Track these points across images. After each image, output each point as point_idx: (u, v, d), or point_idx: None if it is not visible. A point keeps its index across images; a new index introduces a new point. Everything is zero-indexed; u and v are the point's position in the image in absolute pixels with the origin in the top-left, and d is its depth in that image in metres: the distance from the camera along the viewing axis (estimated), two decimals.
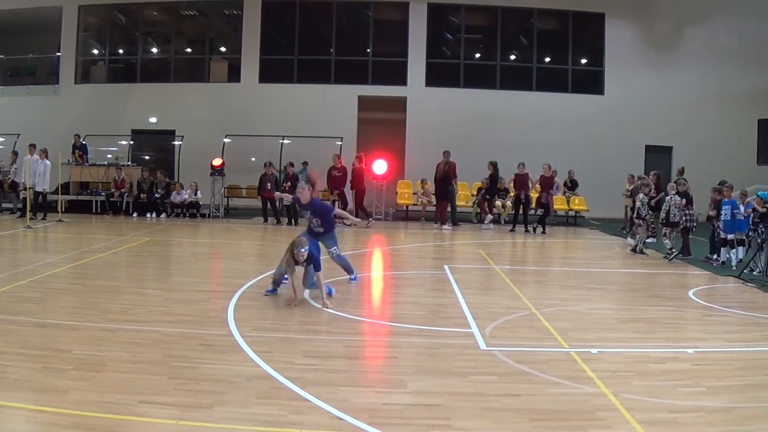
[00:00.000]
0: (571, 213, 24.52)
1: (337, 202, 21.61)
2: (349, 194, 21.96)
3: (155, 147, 27.83)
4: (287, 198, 11.40)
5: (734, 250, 14.22)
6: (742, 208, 14.26)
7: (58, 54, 28.31)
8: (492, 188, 22.16)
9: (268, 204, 21.67)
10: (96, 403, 5.45)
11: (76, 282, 10.87)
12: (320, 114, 26.27)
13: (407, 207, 24.47)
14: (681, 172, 20.35)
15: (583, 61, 28.20)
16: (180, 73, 28.92)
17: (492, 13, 27.84)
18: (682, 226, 15.49)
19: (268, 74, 27.63)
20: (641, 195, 16.36)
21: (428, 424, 5.34)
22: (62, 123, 25.79)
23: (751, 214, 13.96)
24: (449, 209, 21.53)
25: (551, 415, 5.59)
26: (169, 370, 6.42)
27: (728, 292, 11.90)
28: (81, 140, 24.09)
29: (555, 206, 22.80)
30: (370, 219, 21.42)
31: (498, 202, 23.11)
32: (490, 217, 21.89)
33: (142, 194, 22.79)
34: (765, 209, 13.55)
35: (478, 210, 23.02)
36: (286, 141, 25.04)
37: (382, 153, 23.66)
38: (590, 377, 6.50)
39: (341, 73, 27.63)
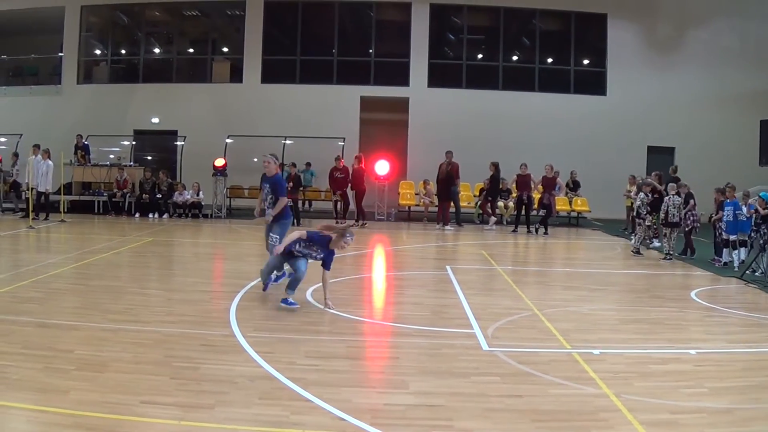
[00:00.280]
0: (574, 214, 24.49)
1: (339, 203, 21.65)
2: (350, 195, 21.94)
3: (157, 147, 27.83)
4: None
5: (736, 251, 14.21)
6: (744, 208, 14.25)
7: (60, 54, 28.36)
8: (493, 189, 22.12)
9: None
10: (98, 404, 5.45)
11: (78, 282, 10.87)
12: (322, 114, 26.28)
13: (409, 207, 24.47)
14: (674, 171, 20.51)
15: (586, 61, 28.20)
16: (182, 73, 28.96)
17: (494, 14, 27.84)
18: (690, 227, 15.50)
19: (271, 75, 27.64)
20: (641, 195, 16.37)
21: (430, 424, 5.34)
22: (65, 123, 25.84)
23: (754, 215, 13.95)
24: (452, 210, 21.51)
25: (553, 415, 5.58)
26: (171, 370, 6.43)
27: (730, 293, 11.88)
28: (83, 140, 24.10)
29: (557, 207, 22.80)
30: (363, 222, 21.34)
31: (500, 203, 23.10)
32: (494, 219, 21.84)
33: (144, 194, 22.79)
34: (767, 210, 13.53)
35: (480, 211, 23.00)
36: (288, 141, 25.03)
37: (384, 153, 23.64)
38: (592, 378, 6.50)
39: (343, 73, 27.66)
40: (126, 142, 26.60)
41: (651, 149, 26.61)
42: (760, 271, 13.09)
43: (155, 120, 27.56)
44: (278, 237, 10.05)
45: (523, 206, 20.90)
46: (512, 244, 18.76)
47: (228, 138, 25.05)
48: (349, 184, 21.64)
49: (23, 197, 21.11)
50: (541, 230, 20.28)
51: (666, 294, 11.64)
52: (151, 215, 22.27)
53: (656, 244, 17.15)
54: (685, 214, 15.62)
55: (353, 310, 9.19)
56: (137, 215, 22.40)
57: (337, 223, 20.59)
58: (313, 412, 5.51)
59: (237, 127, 25.44)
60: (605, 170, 24.77)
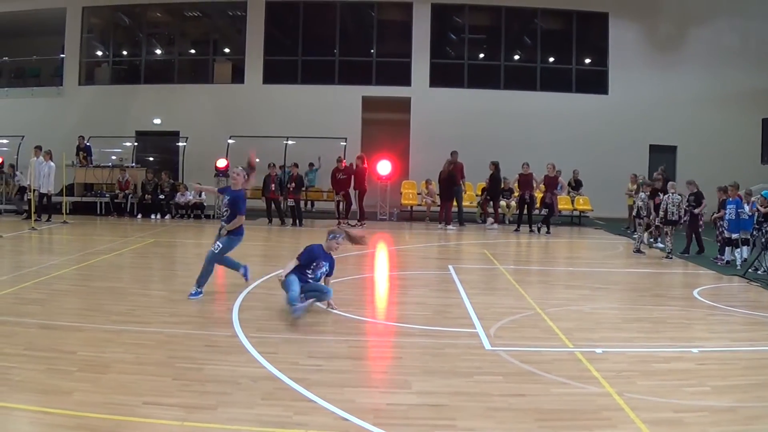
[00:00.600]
0: (576, 213, 24.48)
1: (342, 203, 21.65)
2: (352, 195, 21.94)
3: (159, 148, 27.86)
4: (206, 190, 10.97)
5: (739, 250, 14.21)
6: (746, 207, 14.24)
7: (62, 56, 28.38)
8: (494, 188, 22.09)
9: (273, 205, 21.66)
10: (100, 405, 5.46)
11: (80, 283, 10.88)
12: (324, 115, 26.27)
13: (411, 207, 24.47)
14: (664, 169, 20.61)
15: (587, 61, 28.19)
16: (184, 74, 28.96)
17: (496, 13, 27.83)
18: (700, 224, 15.52)
19: (272, 75, 27.64)
20: (641, 194, 16.37)
21: (433, 424, 5.34)
22: (66, 124, 25.86)
23: (756, 214, 13.94)
24: (454, 209, 21.50)
25: (556, 414, 5.58)
26: (174, 371, 6.43)
27: (733, 291, 11.88)
28: (85, 142, 24.09)
29: (559, 206, 22.81)
30: (362, 222, 21.35)
31: (503, 202, 23.10)
32: (490, 220, 21.83)
33: (146, 195, 22.81)
34: None
35: (482, 210, 23.01)
36: (290, 142, 25.05)
37: (386, 153, 23.65)
38: (595, 377, 6.50)
39: (345, 73, 27.66)
40: (128, 143, 26.61)
41: (653, 148, 26.59)
42: (762, 269, 13.10)
43: (157, 121, 27.57)
44: (221, 246, 9.95)
45: (525, 205, 20.90)
46: (514, 243, 18.76)
47: (230, 139, 25.05)
48: (352, 184, 21.63)
49: (25, 199, 21.12)
50: (543, 229, 20.27)
51: (668, 293, 11.65)
52: (153, 216, 22.28)
53: (660, 244, 17.14)
54: (698, 213, 15.71)
55: (356, 310, 9.19)
56: (139, 216, 22.42)
57: (339, 224, 20.66)
58: (316, 412, 5.51)
59: (239, 127, 25.43)
60: (607, 169, 24.76)
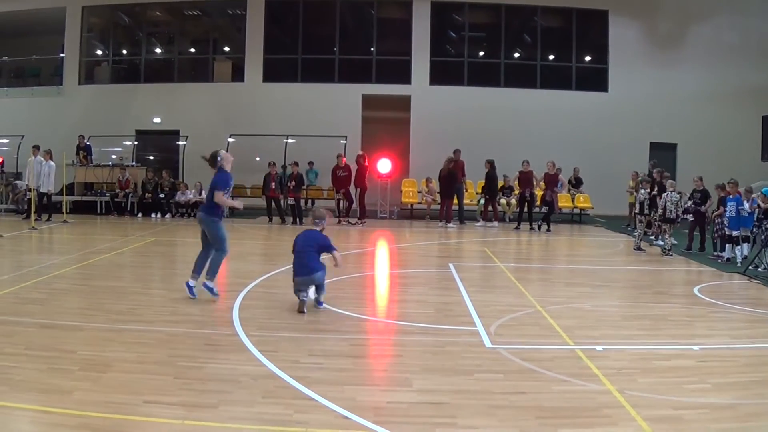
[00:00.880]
0: (576, 210, 24.48)
1: (342, 201, 21.65)
2: (353, 193, 21.93)
3: (160, 147, 27.87)
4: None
5: (739, 247, 14.21)
6: (746, 204, 14.24)
7: (61, 55, 28.38)
8: (490, 187, 22.05)
9: (273, 203, 21.66)
10: (101, 404, 5.46)
11: (81, 283, 10.88)
12: (324, 113, 26.28)
13: (412, 205, 24.46)
14: (654, 166, 20.69)
15: (587, 58, 28.19)
16: (184, 73, 28.98)
17: (495, 11, 27.82)
18: (706, 222, 15.53)
19: (272, 74, 27.65)
20: (641, 192, 16.38)
21: (434, 422, 5.34)
22: (66, 124, 25.87)
23: (756, 210, 13.95)
24: (455, 207, 21.51)
25: (557, 412, 5.58)
26: (175, 370, 6.43)
27: (733, 288, 11.90)
28: (85, 141, 24.11)
29: (560, 204, 22.82)
30: (362, 220, 21.38)
31: (503, 200, 23.12)
32: (495, 223, 21.81)
33: (146, 194, 22.83)
34: None
35: (482, 210, 23.01)
36: (290, 140, 25.04)
37: (386, 151, 23.65)
38: (595, 374, 6.50)
39: (345, 72, 27.66)
40: (128, 143, 26.62)
41: (653, 145, 26.57)
42: (763, 266, 13.11)
43: (157, 120, 27.57)
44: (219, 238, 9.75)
45: (526, 203, 20.91)
46: (515, 241, 18.76)
47: (230, 137, 25.05)
48: (353, 182, 21.63)
49: (25, 198, 21.13)
50: (544, 227, 20.28)
51: (669, 290, 11.66)
52: (153, 215, 22.32)
53: (660, 242, 17.13)
54: (704, 210, 15.75)
55: (356, 309, 9.19)
56: (140, 215, 22.45)
57: (339, 222, 20.69)
58: (316, 410, 5.51)
59: (239, 126, 25.45)
60: (607, 167, 24.76)
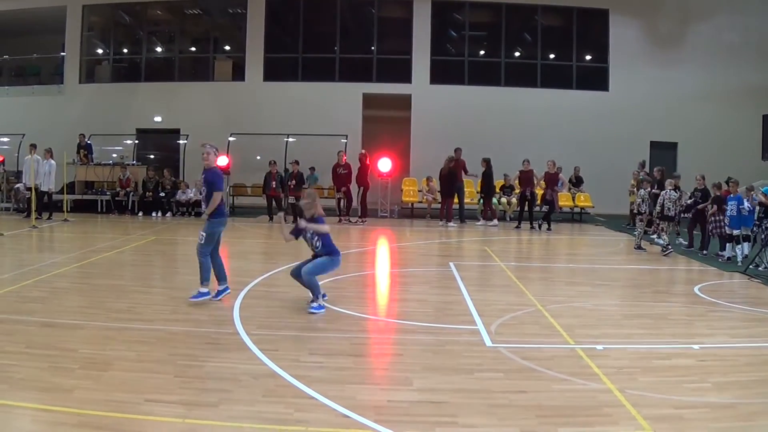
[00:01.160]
0: (577, 209, 24.47)
1: (342, 200, 21.65)
2: (354, 192, 21.92)
3: (160, 146, 27.87)
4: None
5: (739, 246, 14.21)
6: (747, 203, 14.24)
7: (62, 54, 28.39)
8: (487, 185, 22.02)
9: (273, 202, 21.67)
10: (102, 402, 5.47)
11: (81, 281, 10.89)
12: (325, 112, 26.27)
13: (412, 204, 24.44)
14: (642, 165, 20.84)
15: (588, 57, 28.16)
16: (184, 72, 28.96)
17: (496, 10, 27.81)
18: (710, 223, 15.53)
19: (273, 72, 27.64)
20: (642, 191, 16.39)
21: (434, 421, 5.34)
22: (67, 123, 25.85)
23: (757, 209, 13.95)
24: (455, 206, 21.51)
25: (557, 411, 5.59)
26: (175, 368, 6.44)
27: (734, 287, 11.90)
28: (86, 140, 24.14)
29: (560, 203, 22.82)
30: (364, 219, 21.39)
31: (504, 199, 23.12)
32: (495, 221, 21.80)
33: (147, 193, 22.83)
34: None
35: (482, 209, 23.00)
36: (291, 139, 25.05)
37: (387, 150, 23.64)
38: (596, 373, 6.50)
39: (346, 70, 27.66)
40: (129, 141, 26.62)
41: (654, 144, 26.57)
42: (763, 265, 13.11)
43: (158, 119, 27.57)
44: (204, 235, 9.38)
45: (526, 202, 20.91)
46: (515, 240, 18.75)
47: (231, 136, 25.05)
48: (354, 181, 21.62)
49: (25, 197, 21.14)
50: (544, 226, 20.28)
51: (669, 289, 11.66)
52: (154, 214, 22.31)
53: (660, 241, 17.12)
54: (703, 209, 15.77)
55: (357, 308, 9.20)
56: (140, 214, 22.45)
57: (339, 221, 20.70)
58: (317, 409, 5.52)
59: (240, 125, 25.45)
60: (608, 166, 24.74)
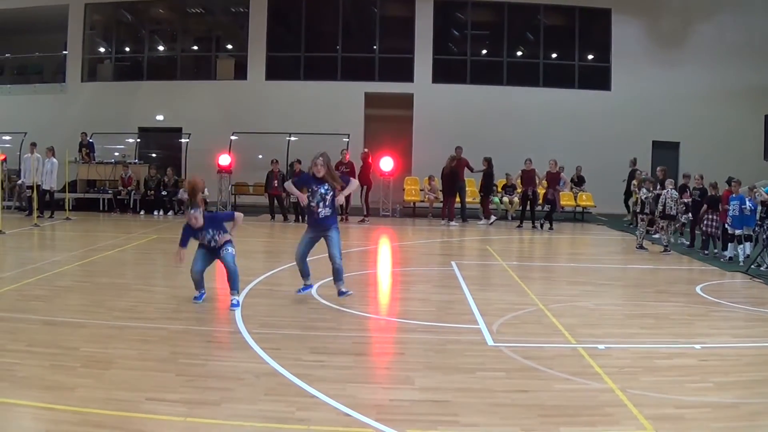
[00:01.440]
0: (579, 209, 24.45)
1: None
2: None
3: (162, 144, 27.89)
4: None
5: (741, 246, 14.19)
6: (748, 202, 14.22)
7: (64, 52, 28.40)
8: (488, 184, 22.02)
9: (275, 201, 21.68)
10: (104, 401, 5.47)
11: (83, 280, 10.90)
12: (327, 111, 26.26)
13: (414, 203, 24.43)
14: (633, 162, 20.91)
15: (590, 57, 28.15)
16: (187, 70, 28.98)
17: (498, 9, 27.80)
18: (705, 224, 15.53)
19: (275, 71, 27.64)
20: (643, 190, 16.38)
21: (436, 420, 5.34)
22: (69, 121, 25.87)
23: (759, 208, 13.94)
24: (457, 205, 21.51)
25: (559, 410, 5.58)
26: (177, 367, 6.44)
27: (735, 287, 11.89)
28: (88, 138, 24.16)
29: (562, 202, 22.81)
30: (366, 217, 21.38)
31: (505, 198, 23.11)
32: (493, 218, 21.82)
33: (149, 192, 22.84)
34: None
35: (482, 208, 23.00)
36: (293, 138, 25.04)
37: (389, 149, 23.62)
38: (598, 373, 6.50)
39: (348, 69, 27.65)
40: (131, 140, 26.62)
41: (656, 144, 26.57)
42: (765, 265, 13.10)
43: (160, 117, 27.56)
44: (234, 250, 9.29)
45: (528, 202, 20.90)
46: (517, 239, 18.75)
47: (233, 135, 25.05)
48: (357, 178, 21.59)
49: (25, 195, 21.16)
50: (546, 225, 20.28)
51: (671, 289, 11.64)
52: (155, 212, 22.32)
53: (663, 241, 17.13)
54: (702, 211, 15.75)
55: (359, 306, 9.20)
56: (142, 212, 22.46)
57: (341, 220, 20.70)
58: (318, 408, 5.52)
59: (241, 124, 25.42)
60: (610, 165, 24.70)
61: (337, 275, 9.26)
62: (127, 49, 29.74)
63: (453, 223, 20.87)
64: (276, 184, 21.42)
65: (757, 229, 14.03)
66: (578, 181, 24.37)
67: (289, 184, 9.43)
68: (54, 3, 27.37)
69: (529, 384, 6.20)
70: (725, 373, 6.66)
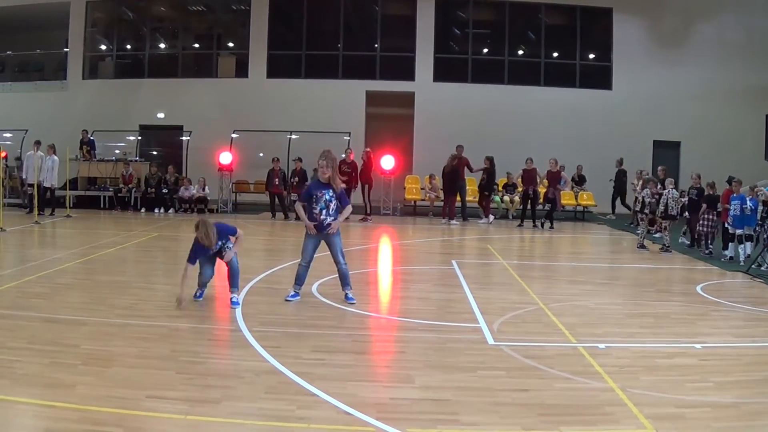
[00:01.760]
0: (579, 208, 24.44)
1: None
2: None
3: (163, 142, 27.85)
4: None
5: (742, 246, 14.19)
6: (749, 202, 14.21)
7: (65, 50, 28.37)
8: (489, 184, 22.01)
9: (276, 199, 21.67)
10: (104, 398, 5.47)
11: (84, 277, 10.90)
12: (328, 109, 26.23)
13: (415, 202, 24.44)
14: (620, 162, 20.93)
15: (591, 56, 28.12)
16: (188, 68, 28.94)
17: (500, 8, 27.78)
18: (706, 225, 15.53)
19: (276, 69, 27.62)
20: (645, 190, 16.38)
21: (436, 419, 5.34)
22: (70, 119, 25.87)
23: (760, 208, 13.94)
24: (458, 204, 21.51)
25: (559, 409, 5.58)
26: (177, 365, 6.44)
27: (736, 287, 11.89)
28: (89, 136, 24.15)
29: (563, 201, 22.80)
30: (368, 216, 21.37)
31: (506, 197, 23.11)
32: (492, 217, 21.82)
33: (150, 189, 22.84)
34: None
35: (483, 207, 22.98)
36: (293, 136, 25.03)
37: (389, 148, 23.60)
38: (598, 372, 6.50)
39: (349, 68, 27.62)
40: (131, 137, 26.60)
41: (657, 144, 26.56)
42: (766, 265, 13.09)
43: (161, 115, 27.55)
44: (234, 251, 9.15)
45: (529, 201, 20.89)
46: (518, 238, 18.75)
47: (234, 133, 25.05)
48: (359, 180, 21.51)
49: (27, 193, 21.17)
50: (547, 225, 20.28)
51: (671, 288, 11.65)
52: (156, 210, 22.31)
53: (665, 241, 17.13)
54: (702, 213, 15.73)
55: (359, 305, 9.19)
56: (143, 210, 22.46)
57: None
58: (319, 406, 5.52)
59: (242, 122, 25.44)
60: (611, 165, 24.68)
61: (344, 280, 9.37)
62: (129, 46, 29.72)
63: (454, 221, 20.86)
64: (277, 182, 21.43)
65: (757, 228, 14.04)
66: (579, 180, 24.35)
67: (298, 206, 9.41)
68: (55, 0, 27.35)
69: (530, 383, 6.21)
70: (725, 373, 6.66)
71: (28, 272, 10.83)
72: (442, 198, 22.15)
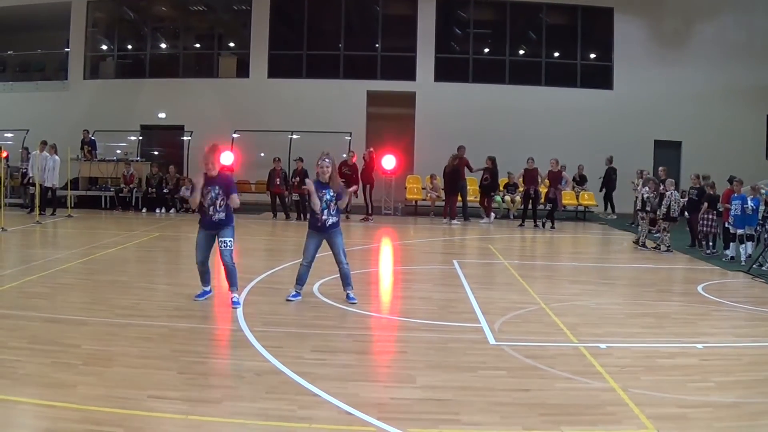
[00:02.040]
0: (581, 208, 24.43)
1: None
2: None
3: (164, 142, 27.82)
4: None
5: (743, 246, 14.18)
6: (750, 201, 14.20)
7: (67, 50, 28.34)
8: (492, 184, 22.00)
9: (277, 199, 21.66)
10: (105, 398, 5.48)
11: (85, 277, 10.90)
12: (329, 109, 26.22)
13: (416, 202, 24.43)
14: (609, 161, 20.95)
15: (592, 56, 28.11)
16: (189, 68, 28.92)
17: (501, 8, 27.76)
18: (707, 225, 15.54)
19: (277, 69, 27.61)
20: (645, 189, 16.38)
21: (437, 418, 5.34)
22: (71, 118, 25.85)
23: (762, 208, 13.93)
24: (459, 204, 21.50)
25: (560, 409, 5.58)
26: (178, 365, 6.44)
27: (737, 287, 11.88)
28: (90, 136, 24.17)
29: (564, 201, 22.79)
30: (370, 216, 21.35)
31: (507, 197, 23.10)
32: (492, 216, 21.82)
33: (151, 189, 22.84)
34: None
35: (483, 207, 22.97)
36: (295, 136, 25.02)
37: (391, 148, 23.58)
38: (599, 372, 6.50)
39: (350, 68, 27.62)
40: (133, 137, 26.56)
41: (658, 143, 26.53)
42: (766, 265, 13.08)
43: (162, 115, 27.53)
44: (233, 240, 9.07)
45: (530, 201, 20.87)
46: (519, 238, 18.75)
47: (235, 133, 25.05)
48: (360, 180, 21.46)
49: (29, 192, 21.18)
50: (548, 224, 20.27)
51: (673, 288, 11.66)
52: (157, 210, 22.31)
53: (665, 241, 17.13)
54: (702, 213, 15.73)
55: (360, 305, 9.20)
56: (144, 210, 22.46)
57: (343, 219, 20.67)
58: (320, 406, 5.52)
59: (244, 122, 25.45)
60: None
61: (345, 280, 9.41)
62: (130, 46, 29.72)
63: (455, 221, 20.85)
64: (278, 182, 21.42)
65: (759, 228, 14.03)
66: (580, 180, 24.34)
67: (310, 183, 9.33)
68: (56, 0, 27.36)
69: (531, 383, 6.21)
70: (727, 373, 6.66)
71: (29, 272, 10.84)
72: (443, 198, 22.15)
